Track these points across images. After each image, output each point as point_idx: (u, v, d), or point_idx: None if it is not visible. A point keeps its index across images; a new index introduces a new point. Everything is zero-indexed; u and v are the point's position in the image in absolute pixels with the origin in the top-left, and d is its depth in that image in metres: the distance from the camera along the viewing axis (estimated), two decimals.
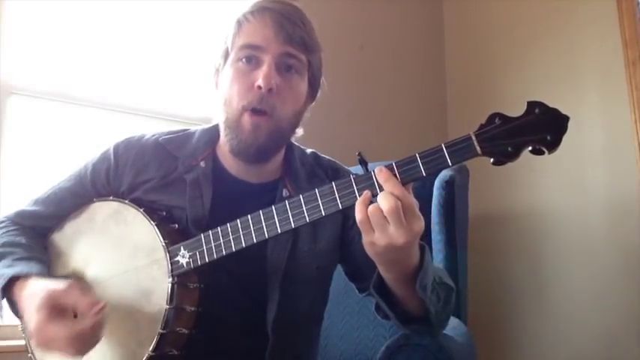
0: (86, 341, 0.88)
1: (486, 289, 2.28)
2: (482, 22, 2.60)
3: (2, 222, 1.12)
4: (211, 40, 2.05)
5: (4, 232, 1.08)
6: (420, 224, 0.84)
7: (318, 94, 1.13)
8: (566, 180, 2.17)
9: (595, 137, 2.08)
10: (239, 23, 1.03)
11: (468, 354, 1.20)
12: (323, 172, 1.15)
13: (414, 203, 0.84)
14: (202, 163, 1.08)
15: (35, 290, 0.92)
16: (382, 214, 0.82)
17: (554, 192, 2.19)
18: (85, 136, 1.84)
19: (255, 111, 0.99)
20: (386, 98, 2.48)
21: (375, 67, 2.46)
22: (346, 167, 1.21)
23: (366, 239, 0.85)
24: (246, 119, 1.00)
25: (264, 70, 0.99)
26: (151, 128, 1.87)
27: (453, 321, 1.21)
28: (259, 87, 0.98)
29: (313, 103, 1.14)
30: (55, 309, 0.88)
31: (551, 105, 0.82)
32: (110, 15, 1.93)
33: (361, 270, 1.11)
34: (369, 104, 2.41)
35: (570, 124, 0.82)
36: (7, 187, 1.67)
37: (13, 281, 0.96)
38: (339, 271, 1.19)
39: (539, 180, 2.23)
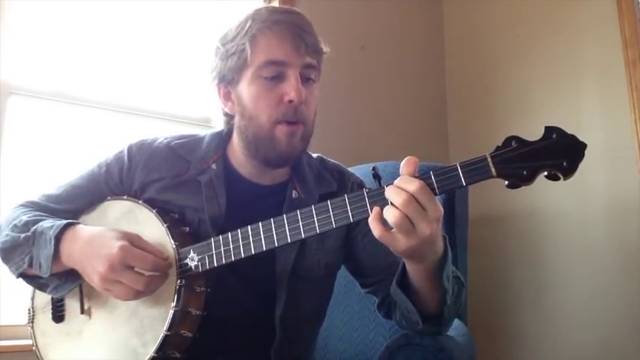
0: (157, 279, 0.93)
1: (486, 289, 2.28)
2: (482, 22, 2.60)
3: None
4: (212, 41, 2.05)
5: (23, 212, 1.08)
6: (439, 209, 0.83)
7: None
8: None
9: (595, 137, 2.08)
10: (254, 37, 1.01)
11: (468, 354, 1.19)
12: (329, 174, 1.17)
13: (427, 191, 0.82)
14: (214, 166, 1.09)
15: (99, 229, 0.98)
16: (402, 219, 0.81)
17: (554, 192, 2.19)
18: (85, 136, 1.84)
19: (290, 122, 1.01)
20: (386, 98, 2.48)
21: (375, 67, 2.46)
22: (350, 170, 1.22)
23: (394, 249, 0.85)
24: (281, 130, 1.01)
25: (293, 84, 0.99)
26: (151, 128, 1.89)
27: (453, 321, 1.21)
28: (290, 101, 0.99)
29: None
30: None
31: (567, 130, 0.81)
32: (110, 15, 1.93)
33: (364, 268, 1.15)
34: (369, 104, 2.41)
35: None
36: (7, 187, 1.67)
37: (63, 230, 0.98)
38: (339, 271, 1.20)
39: (539, 180, 2.22)
